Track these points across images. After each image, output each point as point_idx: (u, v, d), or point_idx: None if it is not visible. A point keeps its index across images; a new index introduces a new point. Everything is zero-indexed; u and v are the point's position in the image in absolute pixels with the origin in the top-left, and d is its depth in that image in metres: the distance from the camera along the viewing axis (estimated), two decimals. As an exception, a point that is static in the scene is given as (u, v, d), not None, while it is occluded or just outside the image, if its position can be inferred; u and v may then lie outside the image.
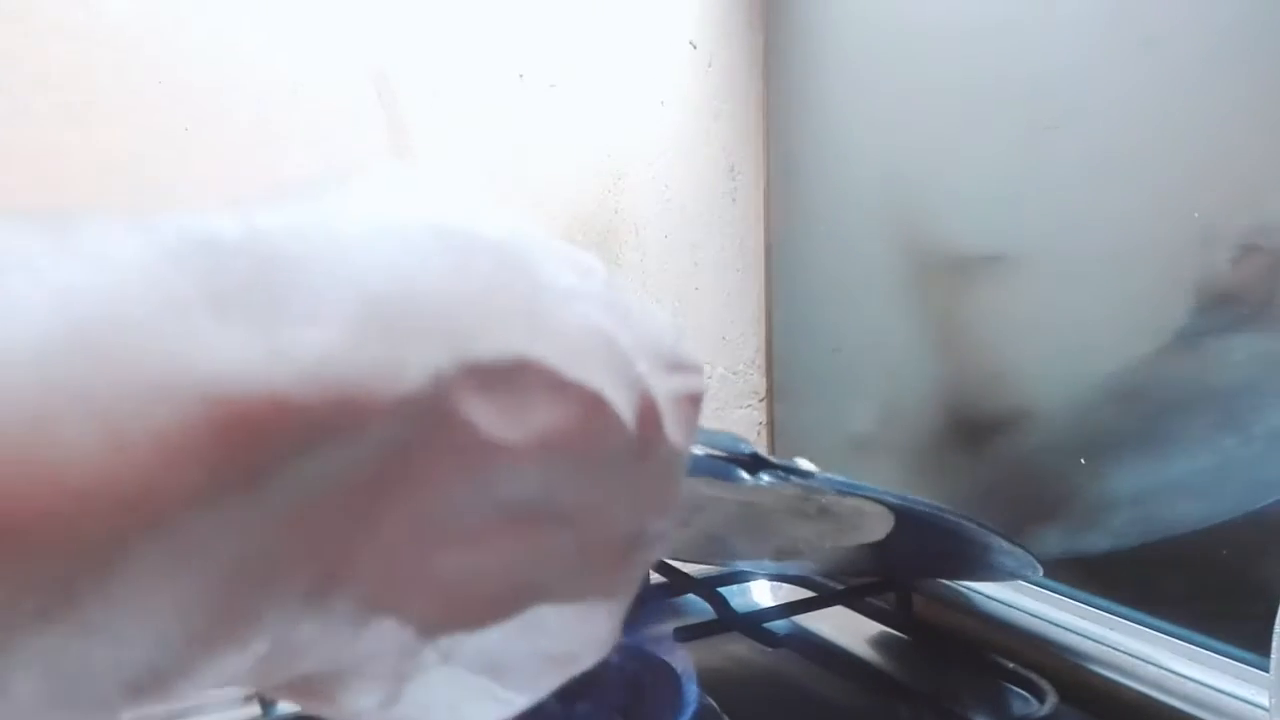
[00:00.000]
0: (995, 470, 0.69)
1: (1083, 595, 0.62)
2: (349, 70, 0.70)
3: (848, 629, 0.67)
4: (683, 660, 0.58)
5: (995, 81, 0.66)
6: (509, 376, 0.19)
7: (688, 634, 0.59)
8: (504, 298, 0.20)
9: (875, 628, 0.67)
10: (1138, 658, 0.57)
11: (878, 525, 0.57)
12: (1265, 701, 0.47)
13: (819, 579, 0.72)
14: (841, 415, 0.83)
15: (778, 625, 0.67)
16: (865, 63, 0.77)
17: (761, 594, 0.74)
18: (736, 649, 0.66)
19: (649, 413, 0.22)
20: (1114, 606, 0.60)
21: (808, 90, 0.82)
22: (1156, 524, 0.59)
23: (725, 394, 0.88)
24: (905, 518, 0.56)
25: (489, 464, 0.19)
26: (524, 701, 0.23)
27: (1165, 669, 0.55)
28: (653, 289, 0.83)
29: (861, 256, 0.79)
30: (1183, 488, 0.58)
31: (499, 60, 0.75)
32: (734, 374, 0.88)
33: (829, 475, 0.42)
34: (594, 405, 0.21)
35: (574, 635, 0.22)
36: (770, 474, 0.36)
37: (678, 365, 0.23)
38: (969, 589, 0.67)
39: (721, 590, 0.64)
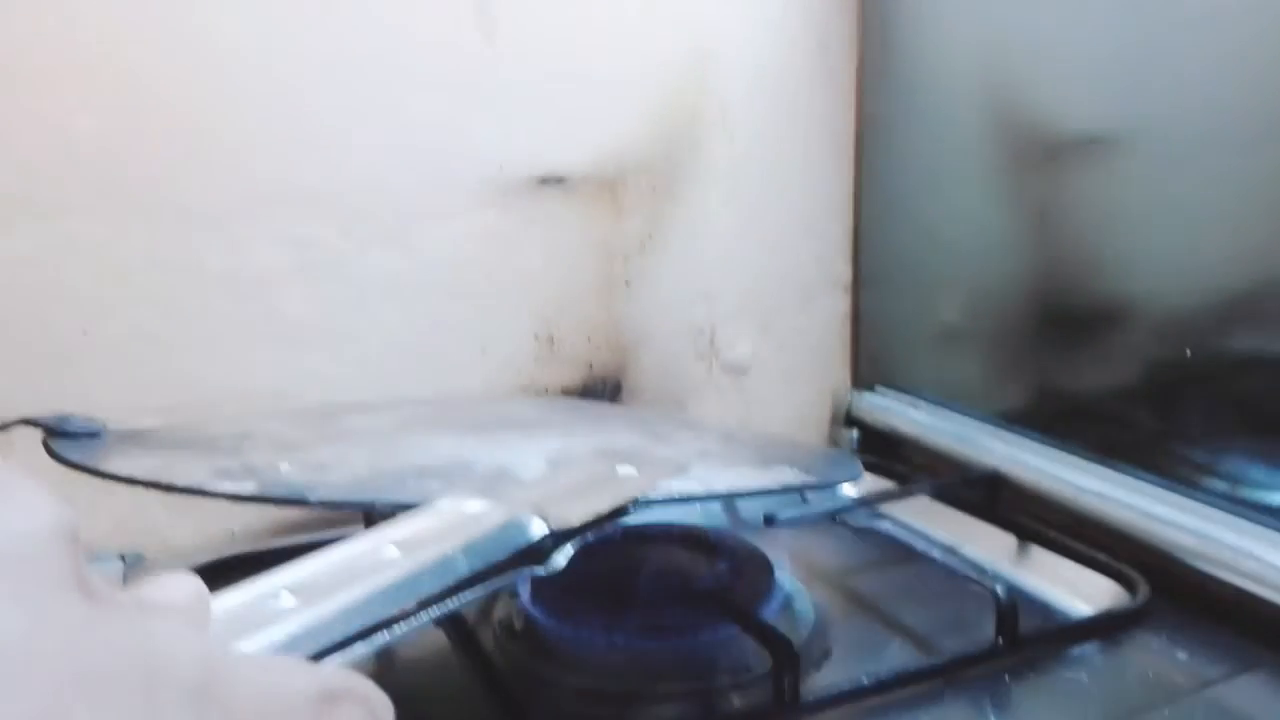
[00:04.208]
0: (1095, 366, 0.68)
1: (1178, 487, 0.61)
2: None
3: (939, 520, 0.67)
4: (774, 547, 0.59)
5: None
6: None
7: (779, 522, 0.59)
8: None
9: (965, 519, 0.67)
10: (1236, 550, 0.56)
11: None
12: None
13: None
14: (930, 305, 0.81)
15: (867, 515, 0.67)
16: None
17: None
18: (826, 538, 0.67)
19: None
20: (1210, 498, 0.59)
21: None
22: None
23: (810, 283, 0.87)
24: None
25: None
26: None
27: (1264, 561, 0.54)
28: (740, 173, 0.81)
29: (956, 138, 0.76)
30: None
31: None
32: (820, 262, 0.87)
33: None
34: None
35: None
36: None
37: None
38: (1061, 480, 0.66)
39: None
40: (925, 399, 0.82)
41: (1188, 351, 0.60)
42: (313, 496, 0.43)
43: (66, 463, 0.46)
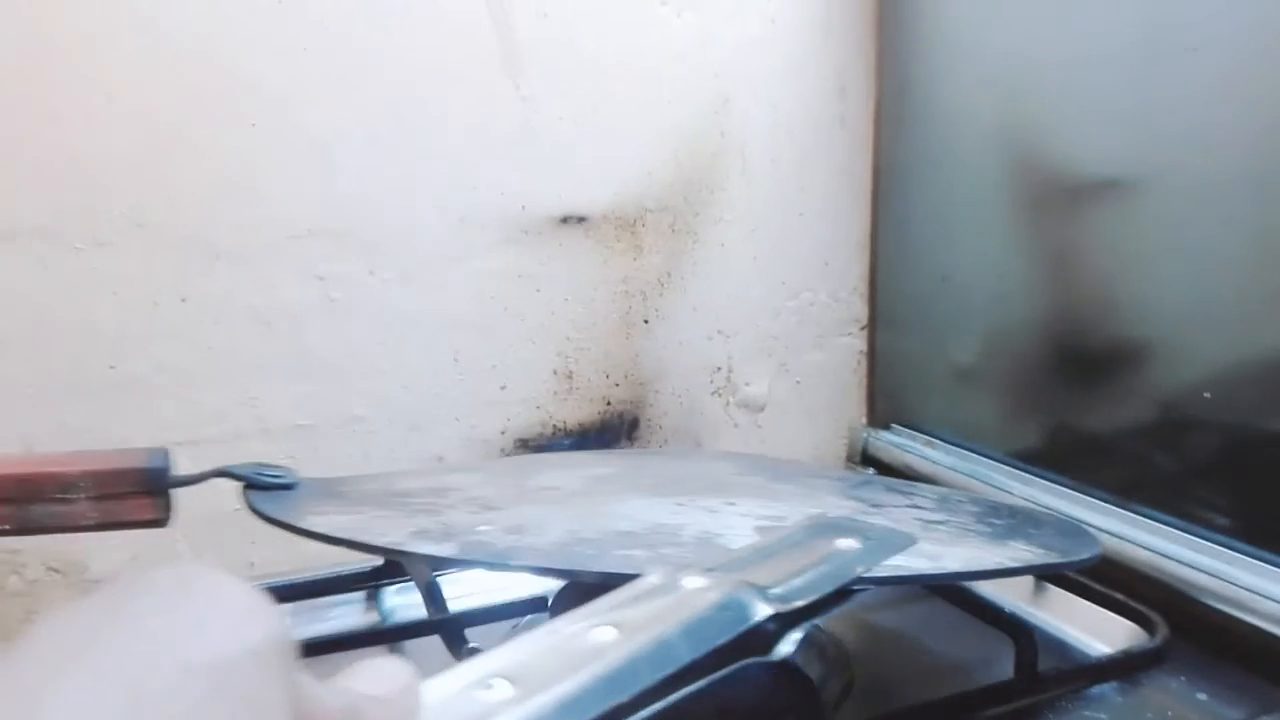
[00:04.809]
0: (1111, 407, 0.68)
1: (1196, 527, 0.61)
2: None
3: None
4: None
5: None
6: None
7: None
8: None
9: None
10: (1255, 592, 0.55)
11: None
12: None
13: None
14: (946, 345, 0.82)
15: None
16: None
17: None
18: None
19: None
20: (1228, 539, 0.59)
21: (923, 4, 0.80)
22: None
23: (827, 321, 0.87)
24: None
25: None
26: None
27: (1284, 604, 0.54)
28: (758, 214, 0.83)
29: (973, 181, 0.77)
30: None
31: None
32: (837, 301, 0.88)
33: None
34: None
35: None
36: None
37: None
38: (1078, 520, 0.66)
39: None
40: (941, 438, 0.82)
41: (1206, 394, 0.60)
42: (514, 562, 0.42)
43: (265, 518, 0.46)
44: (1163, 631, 0.56)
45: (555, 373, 0.77)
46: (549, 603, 0.58)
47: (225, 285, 0.66)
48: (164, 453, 0.42)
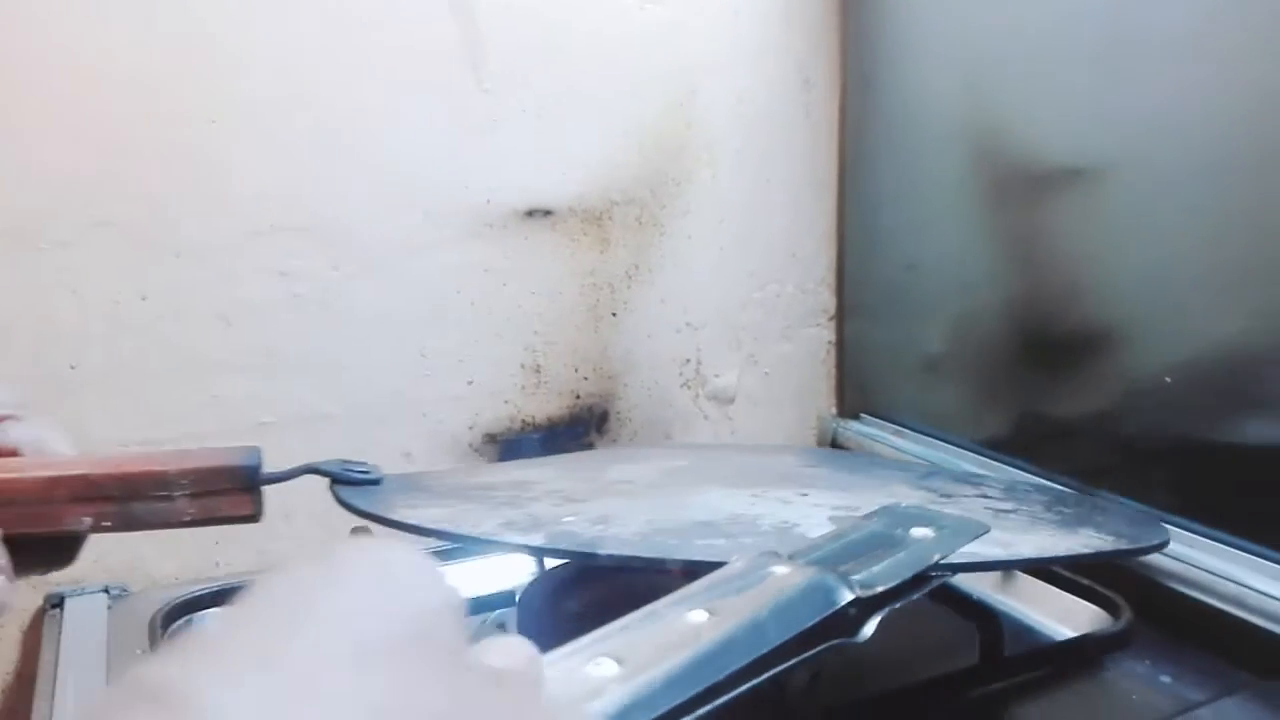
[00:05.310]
0: (1075, 393, 0.68)
1: (1159, 512, 0.61)
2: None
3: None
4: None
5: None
6: None
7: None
8: None
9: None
10: (1218, 575, 0.56)
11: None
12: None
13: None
14: (914, 334, 0.82)
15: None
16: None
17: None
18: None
19: None
20: (1192, 524, 0.59)
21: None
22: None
23: (795, 312, 0.88)
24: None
25: None
26: None
27: (1245, 585, 0.55)
28: (724, 206, 0.83)
29: (938, 171, 0.78)
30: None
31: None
32: (804, 292, 0.88)
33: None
34: None
35: None
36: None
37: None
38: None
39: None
40: (909, 426, 0.83)
41: (1167, 379, 0.61)
42: (602, 551, 0.43)
43: (356, 511, 0.47)
44: (1127, 615, 0.57)
45: (523, 367, 0.77)
46: (516, 598, 0.58)
47: (187, 283, 0.66)
48: (257, 451, 0.43)
